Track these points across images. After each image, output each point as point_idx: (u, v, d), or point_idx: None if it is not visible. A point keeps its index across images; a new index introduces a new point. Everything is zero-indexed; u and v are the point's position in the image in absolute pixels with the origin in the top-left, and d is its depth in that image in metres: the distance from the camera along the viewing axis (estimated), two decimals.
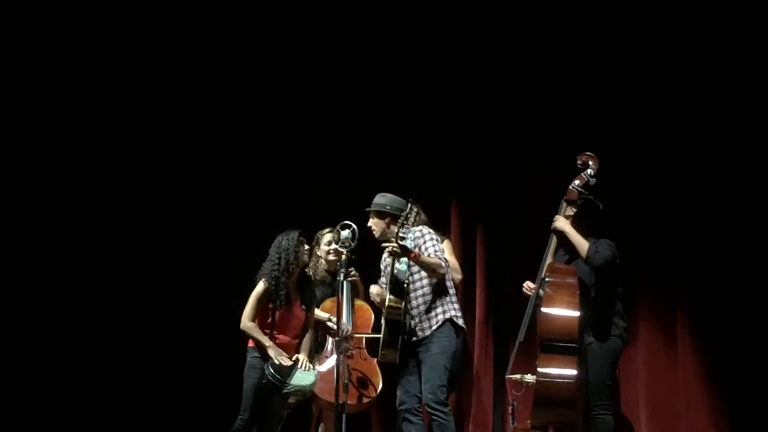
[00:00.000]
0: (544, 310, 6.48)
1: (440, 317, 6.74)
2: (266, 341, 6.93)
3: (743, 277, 6.98)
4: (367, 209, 6.97)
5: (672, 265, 7.22)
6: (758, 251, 6.96)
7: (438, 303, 6.76)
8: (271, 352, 6.90)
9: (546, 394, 6.38)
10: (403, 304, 6.71)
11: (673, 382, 7.21)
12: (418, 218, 6.93)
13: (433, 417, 6.69)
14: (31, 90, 8.15)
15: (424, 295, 6.78)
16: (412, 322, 6.76)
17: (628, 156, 7.31)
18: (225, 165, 8.32)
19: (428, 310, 6.75)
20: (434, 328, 6.72)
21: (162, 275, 8.17)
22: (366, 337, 7.33)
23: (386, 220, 6.92)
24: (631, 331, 6.92)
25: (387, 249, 6.71)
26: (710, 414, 7.06)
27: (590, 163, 6.70)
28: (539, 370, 6.42)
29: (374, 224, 6.95)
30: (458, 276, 7.39)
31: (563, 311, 6.47)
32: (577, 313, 6.44)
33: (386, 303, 6.74)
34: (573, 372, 6.39)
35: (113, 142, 8.28)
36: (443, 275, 6.76)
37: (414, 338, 6.75)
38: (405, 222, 6.69)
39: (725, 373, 7.03)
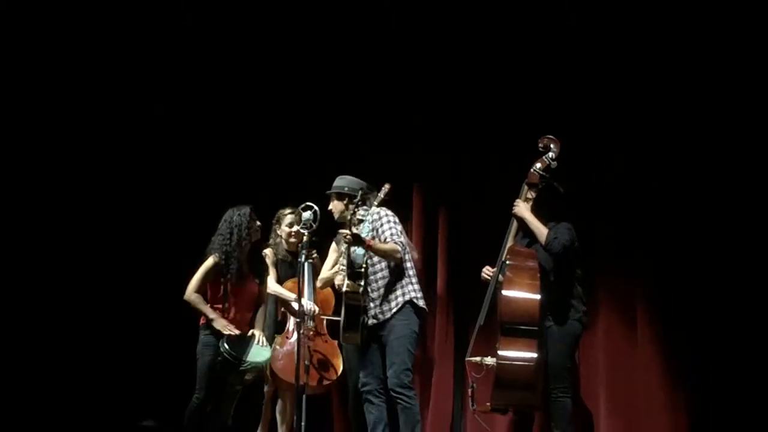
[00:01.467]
0: (504, 293, 6.49)
1: (400, 299, 6.74)
2: (211, 313, 6.90)
3: (702, 263, 7.00)
4: (327, 192, 6.97)
5: (632, 250, 7.24)
6: (717, 237, 6.99)
7: (397, 285, 6.76)
8: (217, 325, 6.88)
9: (506, 376, 6.41)
10: (362, 288, 6.72)
11: (631, 367, 7.22)
12: (373, 200, 6.95)
13: (398, 400, 6.70)
14: (24, 89, 8.16)
15: (384, 278, 6.78)
16: (372, 305, 6.76)
17: (590, 140, 7.32)
18: (184, 146, 8.30)
19: (388, 293, 6.76)
20: (394, 310, 6.73)
21: (112, 256, 8.18)
22: (327, 319, 7.33)
23: (344, 202, 6.93)
24: (590, 315, 6.94)
25: (342, 237, 6.71)
26: (668, 398, 7.07)
27: (552, 146, 6.71)
28: (499, 352, 6.44)
29: (333, 206, 6.97)
30: (414, 254, 7.36)
31: (524, 294, 6.49)
32: (537, 296, 6.46)
33: (343, 289, 6.76)
34: (533, 355, 6.42)
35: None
36: (400, 259, 6.75)
37: (375, 321, 6.76)
38: (357, 208, 6.69)
39: (684, 358, 7.05)
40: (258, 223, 7.10)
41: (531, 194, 6.73)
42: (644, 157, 7.24)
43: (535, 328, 6.46)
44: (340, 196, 6.96)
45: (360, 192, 6.81)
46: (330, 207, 6.98)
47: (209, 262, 6.95)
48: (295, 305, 7.04)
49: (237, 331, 6.89)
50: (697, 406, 6.98)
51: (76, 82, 8.22)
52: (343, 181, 6.99)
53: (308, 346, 7.11)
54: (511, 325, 6.45)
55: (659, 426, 7.06)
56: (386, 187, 6.96)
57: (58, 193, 8.20)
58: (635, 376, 7.21)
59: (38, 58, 8.12)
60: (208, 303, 6.94)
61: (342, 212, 6.94)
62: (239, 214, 7.01)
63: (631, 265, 7.26)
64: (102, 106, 8.28)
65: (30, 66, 8.12)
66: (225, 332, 6.84)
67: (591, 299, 7.01)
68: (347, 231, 6.62)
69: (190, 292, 6.93)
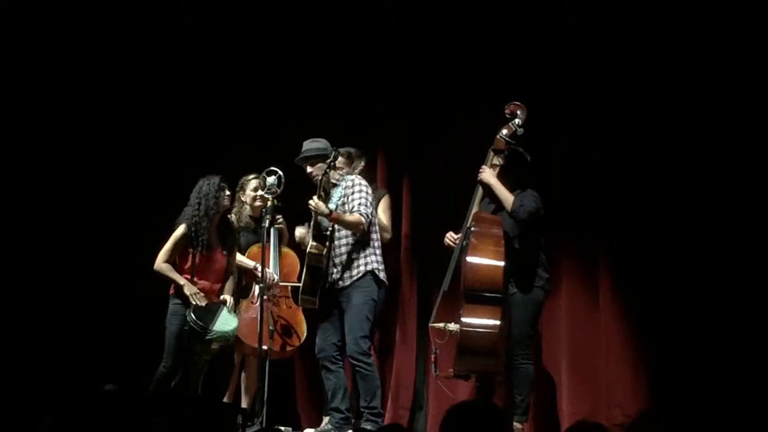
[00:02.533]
0: (469, 259, 6.49)
1: (362, 268, 6.73)
2: (180, 280, 6.88)
3: (664, 229, 7.07)
4: (301, 157, 6.89)
5: (594, 217, 7.29)
6: (675, 197, 7.05)
7: (361, 254, 6.75)
8: (186, 290, 6.85)
9: (469, 343, 6.42)
10: (325, 251, 6.70)
11: (593, 334, 7.28)
12: (345, 167, 6.93)
13: (357, 368, 6.72)
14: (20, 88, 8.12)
15: (348, 244, 6.77)
16: (334, 270, 6.75)
17: (554, 108, 7.33)
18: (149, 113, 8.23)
19: (350, 260, 6.75)
20: (354, 278, 6.72)
21: (83, 224, 8.12)
22: (292, 286, 7.31)
23: (327, 162, 6.85)
24: (553, 280, 6.97)
25: (308, 205, 6.67)
26: (629, 366, 7.15)
27: (518, 112, 6.68)
28: (462, 319, 6.44)
29: (315, 169, 6.86)
30: (387, 235, 7.37)
31: (488, 261, 6.49)
32: (501, 263, 6.46)
33: (308, 249, 6.74)
34: (496, 322, 6.42)
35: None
36: (364, 231, 6.72)
37: (335, 287, 6.74)
38: (329, 170, 6.65)
39: (646, 326, 7.12)
40: (227, 192, 7.06)
41: (497, 161, 6.72)
42: (605, 124, 7.26)
43: (499, 295, 6.46)
44: (316, 159, 6.88)
45: (333, 153, 6.75)
46: (310, 170, 6.87)
47: (178, 231, 6.92)
48: (257, 271, 7.02)
49: (204, 301, 6.86)
50: (657, 367, 7.05)
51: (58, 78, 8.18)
52: (316, 143, 6.93)
53: (272, 312, 7.10)
54: (475, 292, 6.45)
55: (620, 388, 7.13)
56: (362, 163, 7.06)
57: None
58: (597, 340, 7.29)
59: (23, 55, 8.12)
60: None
61: (319, 177, 6.86)
62: (208, 184, 6.97)
63: (592, 229, 7.31)
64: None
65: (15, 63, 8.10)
66: (192, 301, 6.82)
67: (553, 264, 7.04)
68: (314, 199, 6.59)
69: (160, 261, 6.91)
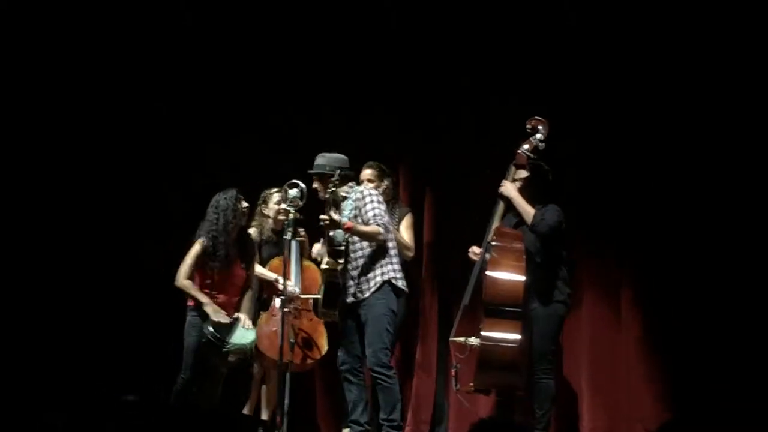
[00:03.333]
0: (489, 273, 6.51)
1: (378, 279, 6.70)
2: (203, 298, 6.88)
3: (685, 242, 7.06)
4: (310, 171, 6.91)
5: (616, 232, 7.27)
6: (699, 216, 7.04)
7: (377, 265, 6.72)
8: (209, 309, 6.86)
9: (489, 357, 6.43)
10: (341, 265, 6.71)
11: (614, 348, 7.28)
12: (375, 180, 7.03)
13: (377, 380, 6.69)
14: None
15: (363, 256, 6.75)
16: (352, 283, 6.75)
17: (577, 123, 7.33)
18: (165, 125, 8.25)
19: (367, 272, 6.72)
20: (372, 290, 6.69)
21: (100, 234, 8.15)
22: (313, 298, 7.32)
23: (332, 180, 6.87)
24: (574, 297, 6.96)
25: (320, 221, 6.68)
26: (651, 379, 7.15)
27: (540, 127, 6.71)
28: (483, 333, 6.46)
29: (318, 186, 6.86)
30: (410, 254, 7.35)
31: (509, 275, 6.51)
32: (522, 278, 6.48)
33: (322, 266, 6.75)
34: (516, 336, 6.43)
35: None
36: (383, 241, 6.71)
37: (353, 299, 6.75)
38: (334, 187, 6.64)
39: (667, 341, 7.11)
40: (245, 204, 7.07)
41: (518, 175, 6.73)
42: (630, 140, 7.25)
43: (519, 309, 6.48)
44: (322, 177, 6.88)
45: (339, 171, 6.75)
46: (315, 186, 6.90)
47: (197, 247, 6.91)
48: (281, 285, 7.04)
49: (228, 319, 6.87)
50: (679, 387, 7.02)
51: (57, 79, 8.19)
52: (323, 160, 6.88)
53: (293, 325, 7.11)
54: (495, 306, 6.47)
55: (641, 404, 7.11)
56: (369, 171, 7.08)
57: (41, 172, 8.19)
58: (618, 354, 7.28)
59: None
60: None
61: (325, 192, 6.89)
62: (225, 198, 6.96)
63: (615, 245, 7.31)
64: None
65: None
66: (215, 318, 6.82)
67: (575, 279, 7.04)
68: (325, 216, 6.60)
69: (181, 278, 6.90)
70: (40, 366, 7.82)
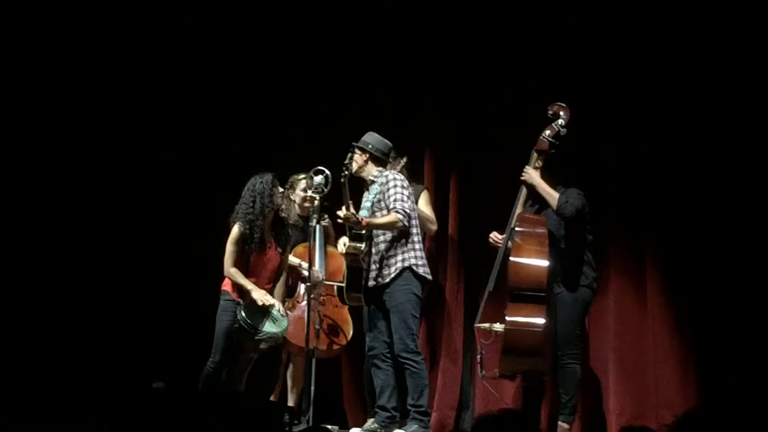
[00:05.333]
0: (513, 259, 6.51)
1: (399, 265, 6.71)
2: (249, 285, 6.89)
3: (713, 228, 7.00)
4: (354, 143, 6.89)
5: (642, 215, 7.23)
6: (731, 202, 6.98)
7: (399, 251, 6.73)
8: (255, 295, 6.86)
9: (514, 342, 6.43)
10: (362, 248, 6.71)
11: (641, 333, 7.23)
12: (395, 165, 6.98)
13: (405, 366, 6.71)
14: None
15: (385, 241, 6.76)
16: (374, 267, 6.76)
17: (600, 104, 7.31)
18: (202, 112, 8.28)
19: (388, 258, 6.74)
20: (393, 275, 6.71)
21: (132, 217, 8.21)
22: (338, 285, 7.34)
23: (365, 158, 6.88)
24: (601, 281, 6.95)
25: (338, 216, 6.68)
26: (677, 365, 7.09)
27: (561, 113, 6.68)
28: (508, 318, 6.46)
29: (355, 158, 6.86)
30: (432, 226, 7.39)
31: (532, 260, 6.52)
32: (546, 263, 6.49)
33: (345, 250, 6.76)
34: (541, 321, 6.44)
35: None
36: (402, 228, 6.69)
37: (374, 284, 6.75)
38: (347, 169, 6.65)
39: (693, 325, 7.06)
40: (280, 189, 7.07)
41: (540, 162, 6.72)
42: (652, 119, 7.20)
43: (543, 294, 6.47)
44: (363, 151, 6.88)
45: (353, 149, 6.77)
46: (350, 158, 6.85)
47: (235, 231, 6.90)
48: (305, 271, 7.05)
49: (272, 302, 6.88)
50: (706, 371, 6.98)
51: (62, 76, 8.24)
52: (370, 138, 6.91)
53: (318, 311, 7.12)
54: (519, 291, 6.47)
55: (669, 390, 7.07)
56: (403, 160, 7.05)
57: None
58: (645, 339, 7.23)
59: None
60: None
61: (360, 167, 6.88)
62: (261, 182, 6.96)
63: (641, 230, 7.26)
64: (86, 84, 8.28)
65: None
66: (260, 303, 6.83)
67: (601, 265, 7.02)
68: (343, 211, 6.60)
69: (228, 266, 6.90)
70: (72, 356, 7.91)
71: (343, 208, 6.63)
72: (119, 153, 8.26)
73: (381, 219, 6.69)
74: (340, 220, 6.68)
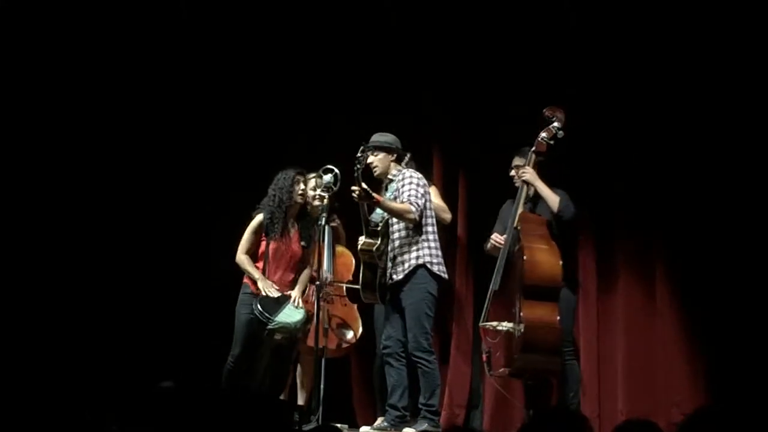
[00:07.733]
0: (527, 258, 6.52)
1: (413, 262, 6.70)
2: (256, 273, 6.99)
3: (722, 228, 6.98)
4: (371, 145, 6.87)
5: (651, 215, 7.22)
6: (739, 200, 6.96)
7: (413, 248, 6.72)
8: (261, 284, 6.95)
9: (535, 340, 6.46)
10: (377, 246, 6.72)
11: (650, 333, 7.23)
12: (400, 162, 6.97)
13: (418, 364, 6.71)
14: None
15: (400, 238, 6.76)
16: (389, 265, 6.76)
17: (610, 103, 7.31)
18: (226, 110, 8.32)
19: (402, 255, 6.73)
20: (407, 272, 6.70)
21: (146, 213, 8.22)
22: (346, 285, 7.34)
23: (391, 158, 6.89)
24: (609, 281, 7.04)
25: (352, 193, 6.67)
26: (687, 364, 7.08)
27: (557, 115, 6.76)
28: (525, 317, 6.47)
29: (378, 160, 6.87)
30: (447, 216, 7.35)
31: (546, 258, 6.58)
32: (559, 258, 6.55)
33: (359, 246, 6.76)
34: (558, 317, 6.50)
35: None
36: (413, 220, 6.68)
37: (390, 281, 6.75)
38: (359, 163, 6.62)
39: (703, 325, 7.04)
40: (301, 186, 7.12)
41: (537, 162, 6.79)
42: (666, 123, 7.19)
43: (558, 290, 6.54)
44: (389, 150, 6.89)
45: (359, 153, 6.72)
46: (371, 160, 6.85)
47: (255, 220, 7.08)
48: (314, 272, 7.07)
49: (278, 293, 6.95)
50: (715, 370, 6.96)
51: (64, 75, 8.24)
52: (385, 137, 6.92)
53: (327, 310, 7.13)
54: (537, 289, 6.51)
55: (678, 388, 7.07)
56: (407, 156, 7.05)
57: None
58: (654, 338, 7.23)
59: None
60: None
61: (387, 167, 6.89)
62: (284, 177, 7.10)
63: (649, 231, 7.24)
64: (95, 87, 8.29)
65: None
66: (264, 292, 6.91)
67: (610, 264, 7.07)
68: (357, 187, 6.58)
69: (240, 252, 7.09)
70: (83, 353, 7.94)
71: (356, 187, 6.59)
72: (148, 152, 8.29)
73: (393, 203, 6.68)
74: (354, 196, 6.64)
